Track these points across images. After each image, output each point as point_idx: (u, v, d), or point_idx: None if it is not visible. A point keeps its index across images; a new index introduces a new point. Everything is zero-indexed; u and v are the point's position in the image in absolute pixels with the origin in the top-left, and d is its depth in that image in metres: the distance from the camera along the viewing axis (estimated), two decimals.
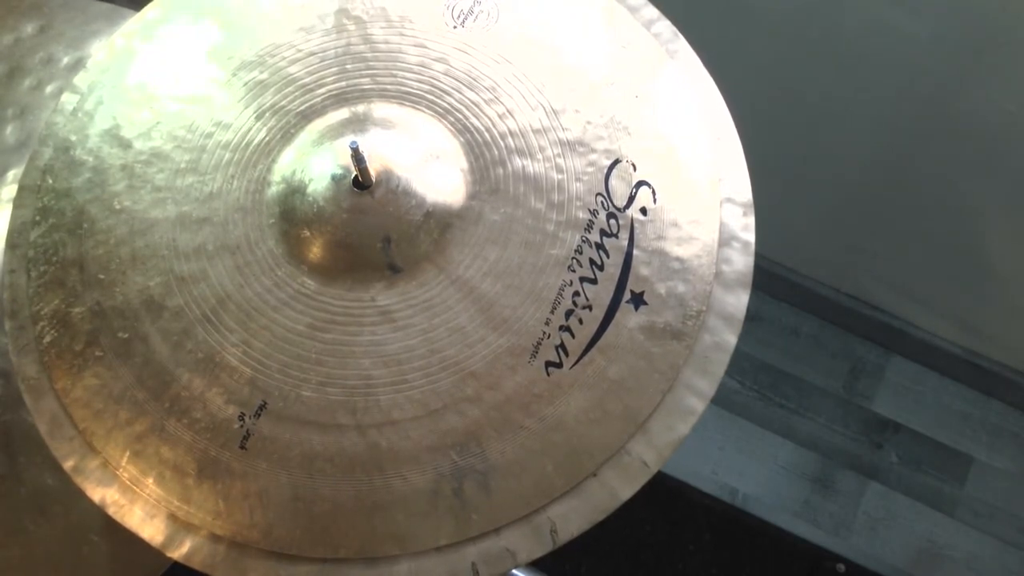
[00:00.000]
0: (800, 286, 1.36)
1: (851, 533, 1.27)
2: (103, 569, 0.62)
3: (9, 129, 0.73)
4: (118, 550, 0.62)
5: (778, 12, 1.02)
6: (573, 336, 0.52)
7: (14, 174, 0.70)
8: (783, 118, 1.15)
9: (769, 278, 1.36)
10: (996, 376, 1.33)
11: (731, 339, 0.54)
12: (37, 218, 0.59)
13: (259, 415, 0.52)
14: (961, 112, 1.04)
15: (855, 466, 1.32)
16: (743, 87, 0.64)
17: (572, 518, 0.50)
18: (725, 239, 0.55)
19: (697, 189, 0.56)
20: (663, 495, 1.13)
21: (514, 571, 0.76)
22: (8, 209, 0.60)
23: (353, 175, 0.55)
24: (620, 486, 0.51)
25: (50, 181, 0.60)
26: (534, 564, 0.52)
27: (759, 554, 1.13)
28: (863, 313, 1.35)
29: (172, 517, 0.51)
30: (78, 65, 0.70)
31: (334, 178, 0.55)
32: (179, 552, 0.51)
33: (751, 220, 0.56)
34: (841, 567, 1.11)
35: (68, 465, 0.53)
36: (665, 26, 0.60)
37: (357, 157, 0.53)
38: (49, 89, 0.73)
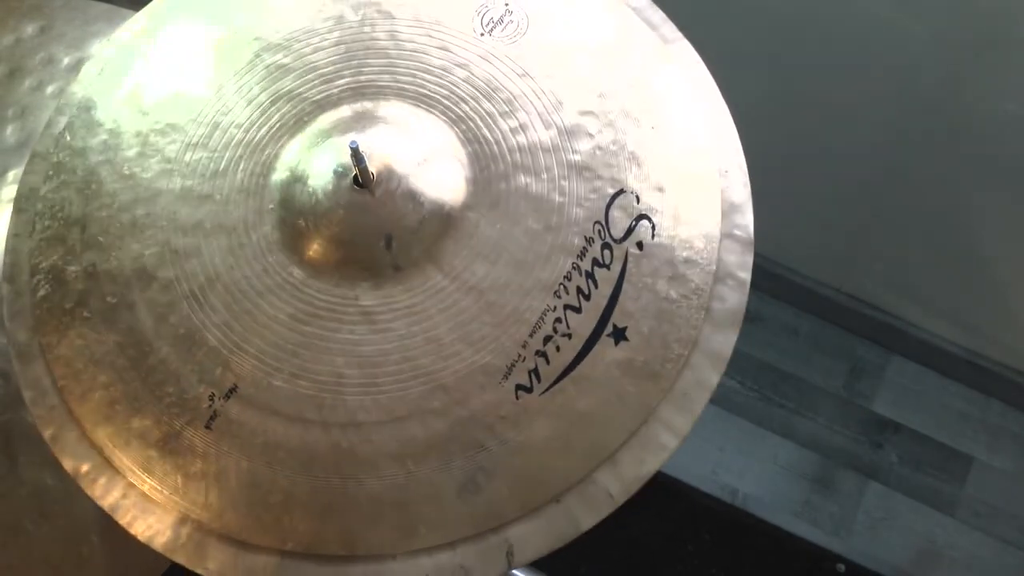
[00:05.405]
0: (800, 286, 1.35)
1: (851, 533, 1.26)
2: (103, 569, 0.63)
3: (9, 129, 0.73)
4: (118, 550, 0.62)
5: (778, 12, 1.01)
6: (548, 362, 0.52)
7: (14, 174, 0.71)
8: (783, 117, 1.14)
9: (769, 278, 1.35)
10: (996, 376, 1.31)
11: (714, 378, 0.53)
12: (50, 172, 0.60)
13: (229, 397, 0.53)
14: (961, 112, 1.02)
15: (855, 466, 1.30)
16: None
17: (530, 541, 0.50)
18: (721, 276, 0.54)
19: (698, 229, 0.55)
20: (662, 495, 1.13)
21: (513, 571, 0.76)
22: (8, 209, 0.61)
23: (354, 172, 0.55)
24: (583, 515, 0.50)
25: (68, 138, 0.61)
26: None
27: (759, 554, 1.14)
28: (863, 313, 1.34)
29: (142, 496, 0.52)
30: (79, 65, 0.70)
31: (336, 173, 0.55)
32: (142, 532, 0.51)
33: (750, 258, 0.54)
34: (841, 567, 1.11)
35: (47, 434, 0.54)
36: (685, 48, 0.59)
37: (357, 157, 0.53)
38: (50, 90, 0.74)
